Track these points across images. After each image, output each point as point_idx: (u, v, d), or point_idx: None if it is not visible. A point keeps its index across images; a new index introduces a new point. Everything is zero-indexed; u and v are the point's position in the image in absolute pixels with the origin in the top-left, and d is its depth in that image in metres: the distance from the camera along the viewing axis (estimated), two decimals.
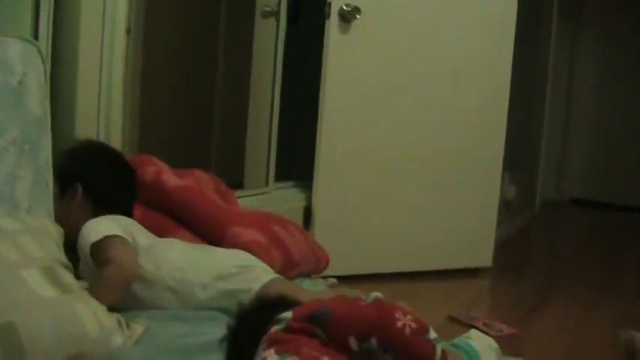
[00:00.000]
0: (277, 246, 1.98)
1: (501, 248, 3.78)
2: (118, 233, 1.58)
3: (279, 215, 2.23)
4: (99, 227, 1.58)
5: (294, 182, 3.15)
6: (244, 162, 3.10)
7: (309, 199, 2.97)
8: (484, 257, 3.39)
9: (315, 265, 2.19)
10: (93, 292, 1.40)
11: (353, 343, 1.02)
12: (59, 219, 1.64)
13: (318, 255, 2.23)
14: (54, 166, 1.71)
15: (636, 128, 6.06)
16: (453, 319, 2.52)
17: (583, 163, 6.24)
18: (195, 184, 2.14)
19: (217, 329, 1.29)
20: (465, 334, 1.38)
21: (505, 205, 4.32)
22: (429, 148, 3.18)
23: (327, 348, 1.00)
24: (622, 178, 6.06)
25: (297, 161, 3.05)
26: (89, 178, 1.75)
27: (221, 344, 1.22)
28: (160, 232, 1.82)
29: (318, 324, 1.03)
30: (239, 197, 2.58)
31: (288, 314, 1.07)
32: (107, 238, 1.55)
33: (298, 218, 2.86)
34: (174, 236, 1.86)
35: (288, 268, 1.97)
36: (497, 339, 2.23)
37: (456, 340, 1.35)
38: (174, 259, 1.65)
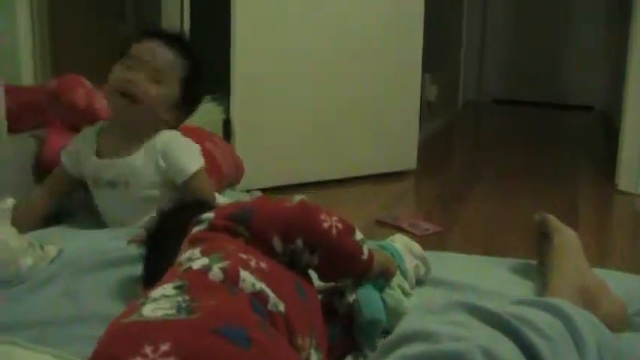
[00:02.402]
0: (212, 168, 1.91)
1: (425, 148, 3.82)
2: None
3: (203, 128, 2.17)
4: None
5: (212, 95, 3.06)
6: None
7: (227, 111, 2.89)
8: (408, 160, 3.42)
9: (236, 173, 2.17)
10: None
11: (277, 243, 1.01)
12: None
13: (238, 163, 2.22)
14: None
15: (550, 29, 6.13)
16: (380, 223, 2.54)
17: (501, 64, 6.31)
18: None
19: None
20: (390, 238, 1.45)
21: (427, 106, 4.35)
22: (348, 53, 3.12)
23: (252, 248, 0.98)
24: (538, 77, 6.17)
25: (217, 75, 2.95)
26: None
27: (140, 248, 1.20)
28: None
29: (241, 222, 1.01)
30: None
31: (209, 214, 1.04)
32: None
33: (218, 132, 2.79)
34: None
35: (218, 185, 1.94)
36: (423, 237, 2.30)
37: (381, 242, 1.40)
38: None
